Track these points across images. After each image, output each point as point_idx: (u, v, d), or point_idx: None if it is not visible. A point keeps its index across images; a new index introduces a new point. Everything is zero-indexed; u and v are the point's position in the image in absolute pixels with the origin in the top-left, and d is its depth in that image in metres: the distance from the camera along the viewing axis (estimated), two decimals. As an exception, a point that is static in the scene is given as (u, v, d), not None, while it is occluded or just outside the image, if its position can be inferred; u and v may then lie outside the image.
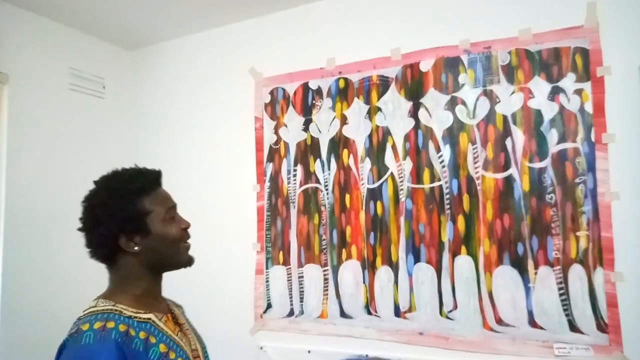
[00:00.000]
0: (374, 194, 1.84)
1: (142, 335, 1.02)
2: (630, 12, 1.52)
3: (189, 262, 1.16)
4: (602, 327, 1.49)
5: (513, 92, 1.65)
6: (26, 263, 1.93)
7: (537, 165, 1.60)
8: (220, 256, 1.70)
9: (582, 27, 1.57)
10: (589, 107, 1.55)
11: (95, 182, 1.13)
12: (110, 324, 0.99)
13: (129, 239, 1.07)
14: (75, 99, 2.20)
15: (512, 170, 1.63)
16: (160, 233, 1.09)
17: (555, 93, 1.60)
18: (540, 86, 1.62)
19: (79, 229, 1.10)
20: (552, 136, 1.59)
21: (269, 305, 2.00)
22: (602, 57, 1.54)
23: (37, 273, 1.96)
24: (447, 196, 1.72)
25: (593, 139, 1.54)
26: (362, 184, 1.86)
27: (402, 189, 1.79)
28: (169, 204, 1.13)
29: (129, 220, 1.06)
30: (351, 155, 1.89)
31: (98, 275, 1.17)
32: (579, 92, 1.57)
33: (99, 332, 0.97)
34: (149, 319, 1.06)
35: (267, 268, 2.01)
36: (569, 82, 1.58)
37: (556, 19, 1.61)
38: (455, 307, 1.68)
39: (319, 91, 1.98)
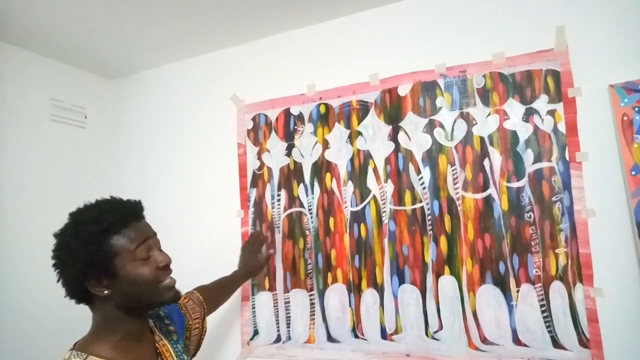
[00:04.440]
0: (358, 217, 1.85)
1: None
2: (597, 34, 1.58)
3: (173, 299, 1.09)
4: (584, 342, 1.51)
5: (489, 114, 1.70)
6: (9, 294, 1.90)
7: (515, 184, 1.64)
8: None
9: (552, 50, 1.62)
10: (562, 127, 1.60)
11: (69, 215, 1.06)
12: None
13: (97, 282, 1.00)
14: (57, 130, 2.20)
15: (491, 190, 1.67)
16: (131, 275, 1.01)
17: (529, 114, 1.64)
18: (514, 108, 1.66)
19: (53, 265, 1.04)
20: (528, 156, 1.63)
21: (256, 332, 1.99)
22: (572, 78, 1.59)
23: (21, 306, 1.93)
24: (429, 217, 1.74)
25: (567, 158, 1.58)
26: (346, 207, 1.88)
27: (384, 211, 1.81)
28: (140, 241, 1.04)
29: (94, 263, 0.99)
30: (334, 179, 1.91)
31: (81, 314, 1.14)
32: (552, 112, 1.61)
33: None
34: None
35: (253, 294, 2.01)
36: (542, 104, 1.63)
37: (528, 42, 1.66)
38: (441, 327, 1.69)
39: (300, 117, 2.01)
